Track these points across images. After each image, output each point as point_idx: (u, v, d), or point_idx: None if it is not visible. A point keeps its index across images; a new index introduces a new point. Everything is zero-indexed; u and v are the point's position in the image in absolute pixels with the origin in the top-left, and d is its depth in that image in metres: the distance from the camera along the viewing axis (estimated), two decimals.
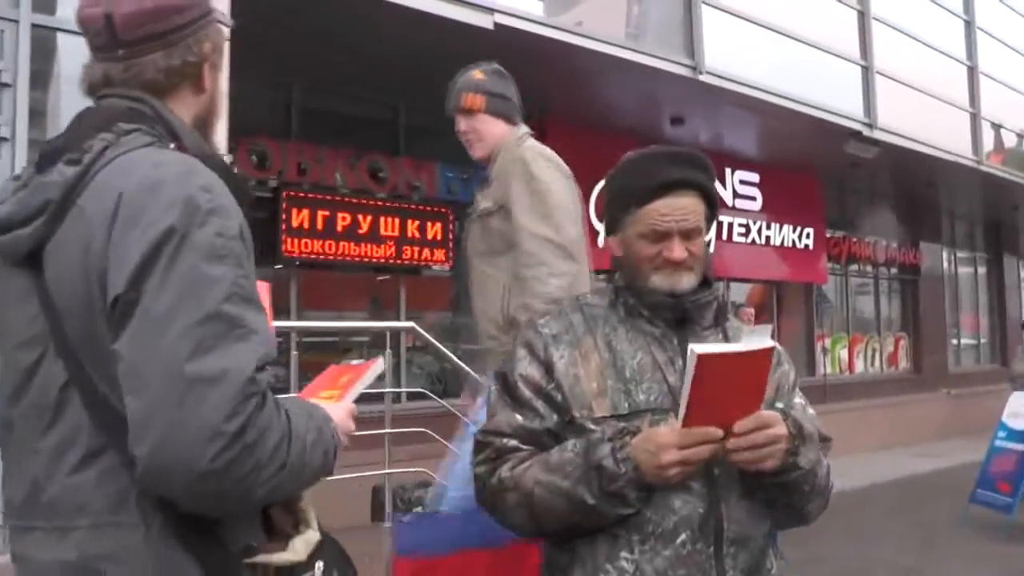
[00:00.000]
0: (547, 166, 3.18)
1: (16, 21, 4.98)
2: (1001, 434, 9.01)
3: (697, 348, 1.66)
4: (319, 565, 1.50)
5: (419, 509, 7.27)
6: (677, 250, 1.90)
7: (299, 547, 1.47)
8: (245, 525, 1.44)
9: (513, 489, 1.85)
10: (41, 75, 5.14)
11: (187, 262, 1.32)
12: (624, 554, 1.80)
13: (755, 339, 1.75)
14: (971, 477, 9.12)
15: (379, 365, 1.74)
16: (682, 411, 1.71)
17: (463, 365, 7.02)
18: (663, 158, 1.96)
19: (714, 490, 1.82)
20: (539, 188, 3.06)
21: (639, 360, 1.90)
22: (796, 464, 1.83)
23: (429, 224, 9.56)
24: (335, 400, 1.63)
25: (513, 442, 1.89)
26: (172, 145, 1.47)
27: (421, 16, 6.89)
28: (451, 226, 9.63)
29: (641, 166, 1.96)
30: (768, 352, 1.76)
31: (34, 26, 5.03)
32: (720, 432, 1.71)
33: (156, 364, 1.27)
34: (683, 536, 1.79)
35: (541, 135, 11.59)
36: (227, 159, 1.64)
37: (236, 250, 1.38)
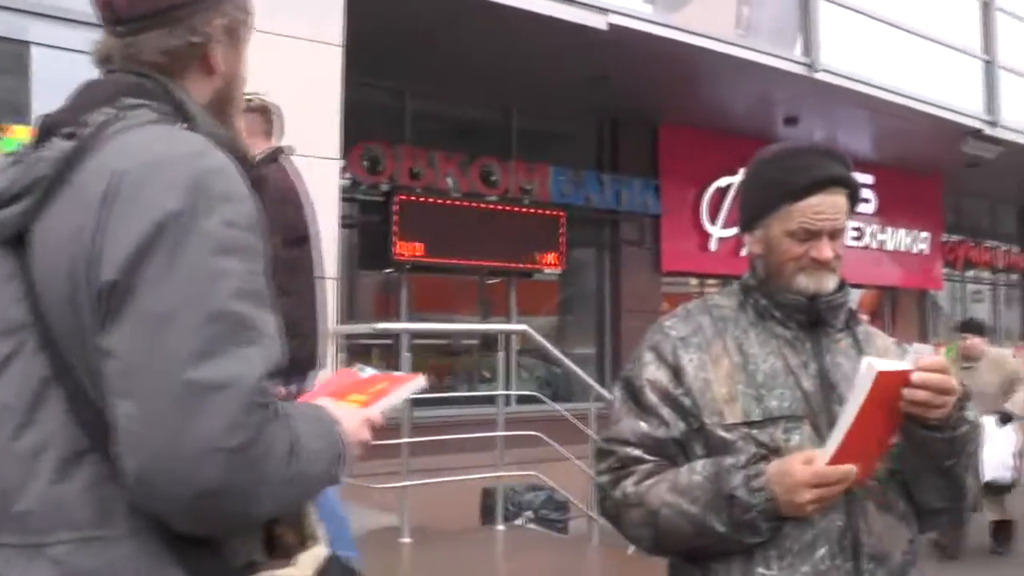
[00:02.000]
0: None
1: None
2: None
3: (876, 363, 1.56)
4: None
5: (529, 513, 7.30)
6: (826, 250, 1.82)
7: (306, 562, 1.33)
8: (247, 539, 1.31)
9: (638, 505, 1.79)
10: None
11: (193, 252, 1.17)
12: (760, 570, 1.73)
13: (914, 356, 1.67)
14: None
15: (419, 382, 1.61)
16: (840, 434, 1.63)
17: (575, 368, 7.00)
18: (815, 153, 1.88)
19: (852, 502, 1.74)
20: None
21: (771, 364, 1.82)
22: (964, 417, 1.75)
23: (541, 227, 9.55)
24: (361, 406, 1.48)
25: (637, 452, 1.82)
26: (182, 124, 1.33)
27: (534, 17, 6.88)
28: (562, 229, 9.60)
29: (793, 161, 1.87)
30: None
31: None
32: (854, 469, 1.64)
33: (155, 366, 1.14)
34: (822, 551, 1.72)
35: (653, 136, 11.40)
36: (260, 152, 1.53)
37: (248, 242, 1.23)
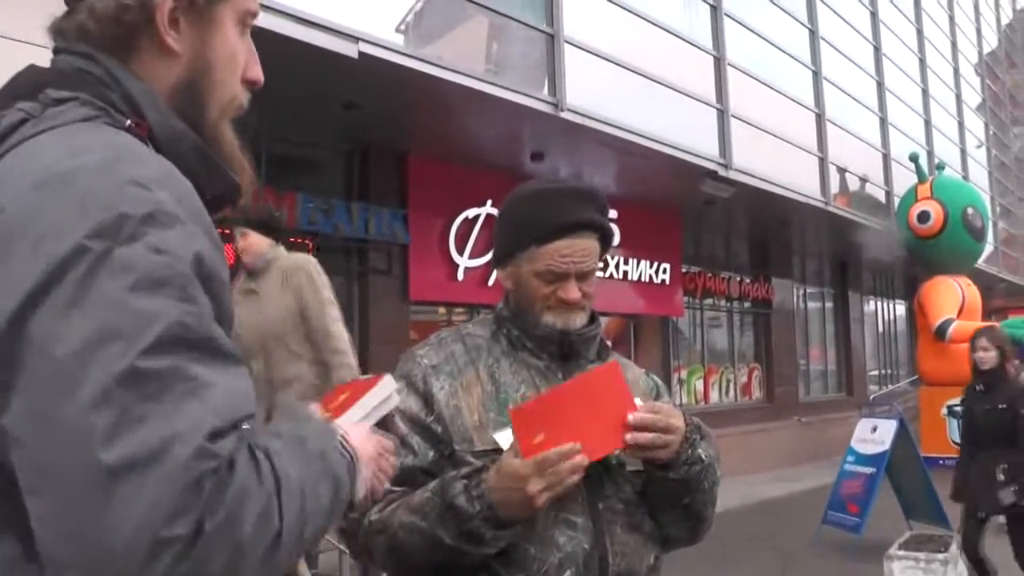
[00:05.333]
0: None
1: None
2: (850, 458, 9.43)
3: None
4: None
5: None
6: (573, 292, 1.86)
7: None
8: None
9: (382, 532, 1.76)
10: None
11: (105, 292, 0.89)
12: None
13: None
14: (822, 500, 9.50)
15: (387, 382, 1.39)
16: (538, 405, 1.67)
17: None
18: (566, 195, 1.89)
19: (598, 524, 1.77)
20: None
21: (523, 393, 1.84)
22: (697, 456, 1.79)
23: None
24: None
25: (386, 484, 1.82)
26: (128, 121, 1.07)
27: (285, 41, 6.76)
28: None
29: (543, 203, 1.88)
30: (605, 372, 1.75)
31: None
32: (578, 445, 1.63)
33: (61, 450, 0.86)
34: (568, 573, 1.72)
35: (403, 166, 11.43)
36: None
37: (182, 273, 0.94)
